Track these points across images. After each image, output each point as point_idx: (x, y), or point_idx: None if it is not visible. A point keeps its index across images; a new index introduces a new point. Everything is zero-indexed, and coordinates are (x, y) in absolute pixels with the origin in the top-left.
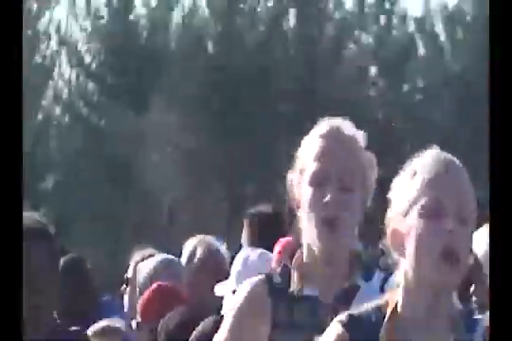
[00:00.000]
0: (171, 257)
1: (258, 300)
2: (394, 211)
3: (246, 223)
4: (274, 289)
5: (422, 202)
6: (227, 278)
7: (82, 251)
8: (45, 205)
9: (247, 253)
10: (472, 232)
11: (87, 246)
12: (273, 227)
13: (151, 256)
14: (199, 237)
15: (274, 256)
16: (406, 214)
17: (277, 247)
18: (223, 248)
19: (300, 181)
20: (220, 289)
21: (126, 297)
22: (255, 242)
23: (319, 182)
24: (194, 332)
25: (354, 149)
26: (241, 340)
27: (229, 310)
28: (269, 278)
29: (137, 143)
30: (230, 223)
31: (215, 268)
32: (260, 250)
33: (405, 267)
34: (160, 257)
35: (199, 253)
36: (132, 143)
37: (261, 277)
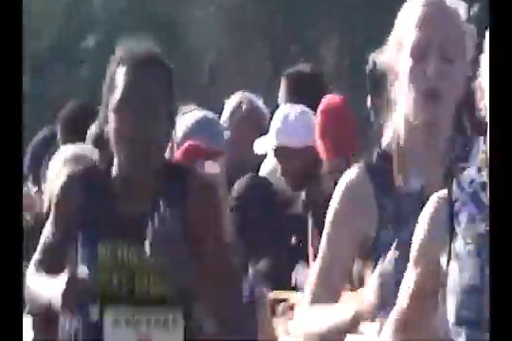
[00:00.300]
0: (210, 114)
1: (360, 186)
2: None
3: (283, 81)
4: (375, 175)
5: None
6: (266, 134)
7: None
8: (85, 63)
9: (288, 110)
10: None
11: None
12: (311, 87)
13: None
14: (243, 93)
15: (317, 115)
16: (399, 53)
17: (320, 106)
18: (263, 105)
19: (398, 53)
20: (259, 145)
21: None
22: (292, 101)
23: (420, 52)
24: (232, 191)
25: (456, 19)
26: (344, 232)
27: (332, 200)
28: (368, 165)
29: (179, 1)
30: (272, 82)
31: (257, 124)
32: (300, 107)
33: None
34: (198, 114)
35: (244, 108)
36: (175, 1)
37: (360, 165)
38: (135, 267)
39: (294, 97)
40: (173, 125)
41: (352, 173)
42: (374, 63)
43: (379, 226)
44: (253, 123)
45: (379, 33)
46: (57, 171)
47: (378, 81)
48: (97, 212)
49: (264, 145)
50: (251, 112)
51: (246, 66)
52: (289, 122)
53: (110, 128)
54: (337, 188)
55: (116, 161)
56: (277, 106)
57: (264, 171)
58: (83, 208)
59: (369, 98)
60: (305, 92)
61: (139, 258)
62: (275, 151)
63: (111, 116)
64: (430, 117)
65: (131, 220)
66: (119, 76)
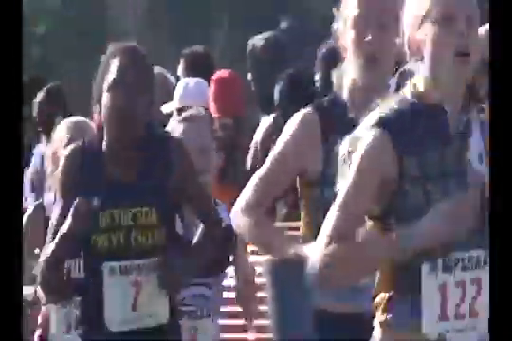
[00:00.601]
0: None
1: (310, 125)
2: (407, 23)
3: (182, 60)
4: (324, 115)
5: (436, 9)
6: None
7: None
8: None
9: (187, 80)
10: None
11: None
12: (204, 64)
13: None
14: (156, 67)
15: (211, 84)
16: (421, 22)
17: (214, 76)
18: (171, 77)
19: (345, 29)
20: (167, 107)
21: None
22: (189, 76)
23: (360, 25)
24: None
25: None
26: (284, 169)
27: (280, 140)
28: (319, 105)
29: None
30: (175, 61)
31: (168, 91)
32: (197, 79)
33: (423, 73)
34: None
35: (158, 78)
36: None
37: (310, 107)
38: (130, 227)
39: (190, 72)
40: (152, 101)
41: (300, 114)
42: (253, 46)
43: (325, 164)
44: (165, 90)
45: (258, 22)
46: (61, 136)
47: (256, 59)
48: (93, 184)
49: (169, 107)
50: (164, 82)
51: (155, 48)
52: (188, 89)
53: (103, 105)
54: (286, 127)
55: (106, 137)
56: (178, 80)
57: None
58: (80, 181)
59: (249, 73)
60: (199, 68)
61: (133, 220)
62: (178, 111)
63: (105, 95)
64: (371, 81)
65: (124, 188)
66: (113, 64)
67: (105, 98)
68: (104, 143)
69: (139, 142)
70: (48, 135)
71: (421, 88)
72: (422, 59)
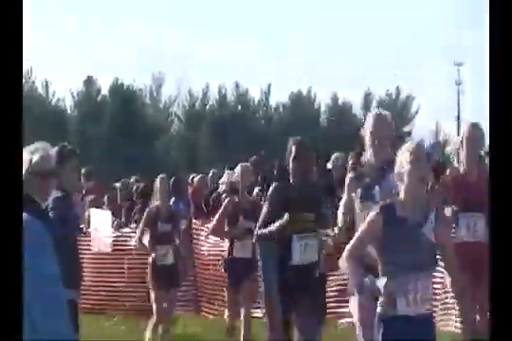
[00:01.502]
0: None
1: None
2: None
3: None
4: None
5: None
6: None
7: None
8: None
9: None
10: None
11: None
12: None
13: None
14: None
15: None
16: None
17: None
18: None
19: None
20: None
21: None
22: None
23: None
24: None
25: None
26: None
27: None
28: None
29: None
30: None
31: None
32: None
33: None
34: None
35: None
36: None
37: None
38: (304, 221)
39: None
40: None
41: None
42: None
43: None
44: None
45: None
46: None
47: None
48: (283, 201)
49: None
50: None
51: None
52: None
53: (291, 167)
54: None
55: (292, 176)
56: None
57: None
58: (282, 198)
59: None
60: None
61: (305, 218)
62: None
63: (291, 163)
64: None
65: (298, 201)
66: (293, 147)
67: (291, 163)
68: (292, 179)
69: (311, 182)
70: None
71: None
72: None
